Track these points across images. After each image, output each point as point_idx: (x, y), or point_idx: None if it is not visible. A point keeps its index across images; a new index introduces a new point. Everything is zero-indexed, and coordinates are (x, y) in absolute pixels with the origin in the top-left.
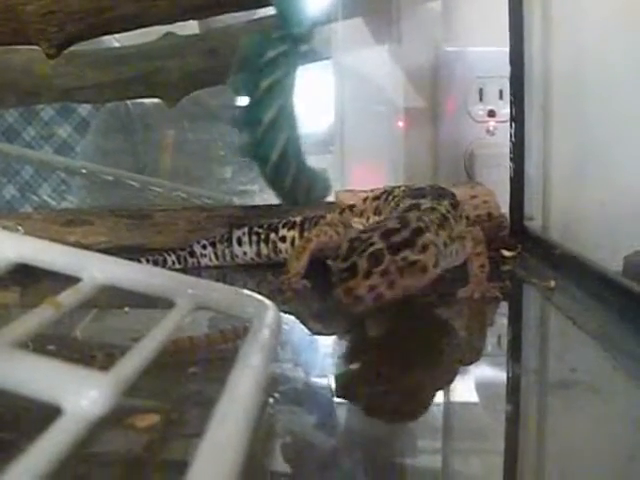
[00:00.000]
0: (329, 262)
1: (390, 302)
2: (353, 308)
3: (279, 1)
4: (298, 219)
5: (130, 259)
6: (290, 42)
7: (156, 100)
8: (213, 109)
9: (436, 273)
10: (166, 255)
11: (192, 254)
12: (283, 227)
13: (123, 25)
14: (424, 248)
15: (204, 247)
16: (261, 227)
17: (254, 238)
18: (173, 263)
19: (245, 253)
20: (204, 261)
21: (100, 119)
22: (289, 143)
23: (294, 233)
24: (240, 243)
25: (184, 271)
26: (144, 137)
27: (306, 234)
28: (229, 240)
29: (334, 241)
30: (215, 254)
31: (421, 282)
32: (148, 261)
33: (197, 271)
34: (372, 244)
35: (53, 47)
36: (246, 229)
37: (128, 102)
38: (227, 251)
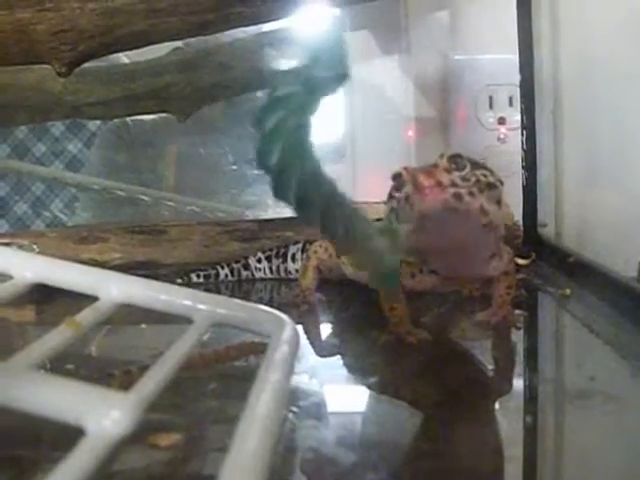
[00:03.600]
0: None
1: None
2: (426, 199)
3: (312, 50)
4: None
5: (180, 275)
6: (318, 88)
7: (155, 116)
8: (216, 123)
9: (502, 232)
10: (219, 268)
11: (246, 267)
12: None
13: (133, 42)
14: (499, 181)
15: (259, 261)
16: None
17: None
18: (226, 276)
19: (297, 270)
20: (258, 274)
21: (102, 135)
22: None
23: None
24: (294, 259)
25: (238, 283)
26: (145, 152)
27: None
28: (284, 256)
29: (332, 260)
30: (270, 268)
31: (494, 219)
32: (199, 276)
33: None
34: (453, 153)
35: (65, 66)
36: (300, 245)
37: (128, 119)
38: (282, 266)
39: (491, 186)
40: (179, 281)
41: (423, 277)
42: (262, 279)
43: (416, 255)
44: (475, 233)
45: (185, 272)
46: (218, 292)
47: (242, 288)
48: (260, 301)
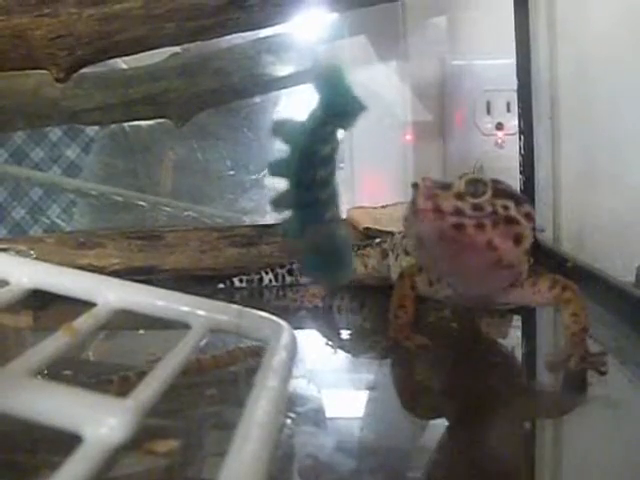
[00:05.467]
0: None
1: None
2: (421, 224)
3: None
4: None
5: (219, 279)
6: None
7: (153, 121)
8: (213, 128)
9: (520, 269)
10: (263, 273)
11: (290, 272)
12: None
13: (131, 48)
14: (527, 216)
15: None
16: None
17: None
18: (270, 281)
19: None
20: (302, 280)
21: (99, 141)
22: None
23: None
24: None
25: (282, 289)
26: (143, 158)
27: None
28: None
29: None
30: None
31: (506, 256)
32: (242, 280)
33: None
34: (476, 176)
35: (62, 71)
36: None
37: (125, 124)
38: None
39: (510, 221)
40: (221, 286)
41: (441, 286)
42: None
43: (428, 266)
44: (481, 267)
45: (227, 276)
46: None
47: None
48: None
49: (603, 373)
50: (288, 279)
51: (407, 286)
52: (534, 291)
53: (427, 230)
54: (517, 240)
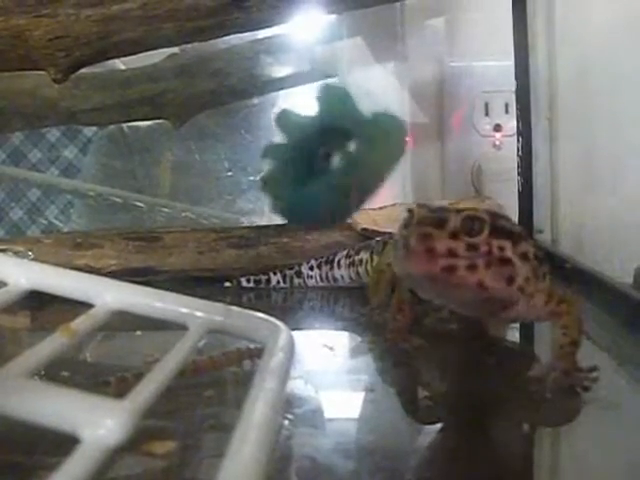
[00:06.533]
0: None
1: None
2: (411, 264)
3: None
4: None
5: (229, 280)
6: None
7: (150, 122)
8: (211, 129)
9: (513, 300)
10: (271, 274)
11: (299, 274)
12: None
13: (130, 49)
14: (523, 256)
15: (311, 268)
16: (353, 250)
17: (347, 261)
18: (278, 282)
19: (342, 277)
20: (310, 282)
21: (97, 142)
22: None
23: (369, 256)
24: (339, 266)
25: (290, 290)
26: (141, 159)
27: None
28: (331, 262)
29: None
30: (320, 276)
31: (498, 294)
32: (249, 280)
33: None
34: (474, 213)
35: (61, 72)
36: (345, 252)
37: (123, 125)
38: (329, 273)
39: (504, 262)
40: (227, 284)
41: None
42: (313, 287)
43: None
44: (472, 303)
45: (235, 276)
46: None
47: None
48: None
49: (586, 389)
50: (296, 281)
51: (405, 290)
52: (529, 307)
53: (418, 271)
54: (510, 280)
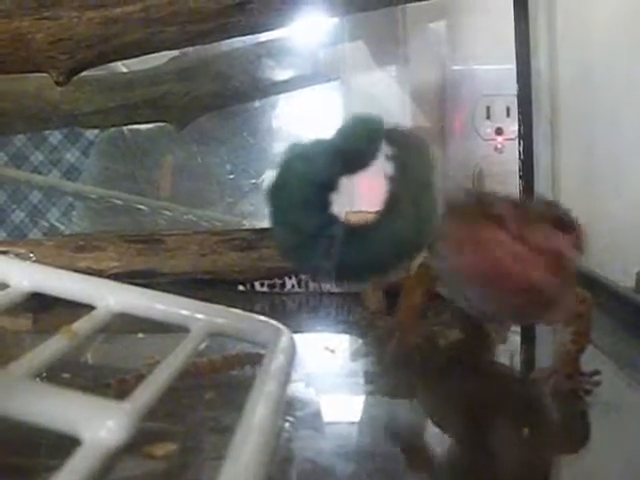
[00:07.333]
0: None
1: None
2: (455, 255)
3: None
4: None
5: (242, 283)
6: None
7: (152, 125)
8: (213, 132)
9: (558, 308)
10: (286, 278)
11: (315, 279)
12: None
13: (132, 51)
14: (576, 244)
15: None
16: None
17: None
18: (292, 287)
19: None
20: (326, 287)
21: (98, 145)
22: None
23: None
24: None
25: (305, 295)
26: (142, 161)
27: None
28: None
29: None
30: None
31: (548, 290)
32: (263, 284)
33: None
34: (525, 201)
35: (62, 74)
36: None
37: (125, 128)
38: None
39: (558, 255)
40: (241, 288)
41: (458, 299)
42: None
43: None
44: (519, 302)
45: (249, 279)
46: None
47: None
48: None
49: (588, 392)
50: (312, 286)
51: (419, 295)
52: (567, 306)
53: (467, 266)
54: (562, 273)
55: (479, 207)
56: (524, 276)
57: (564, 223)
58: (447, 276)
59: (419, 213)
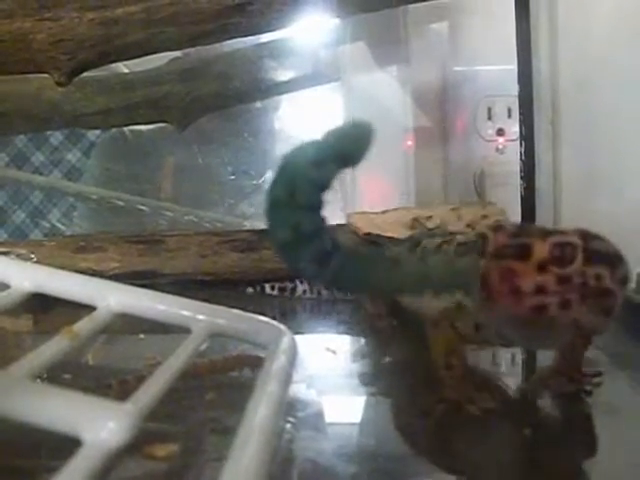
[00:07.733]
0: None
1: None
2: (493, 306)
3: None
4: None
5: (252, 286)
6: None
7: (153, 126)
8: (214, 133)
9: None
10: (297, 282)
11: None
12: None
13: (133, 52)
14: (622, 282)
15: None
16: None
17: None
18: (304, 292)
19: None
20: (339, 295)
21: (99, 145)
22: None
23: None
24: None
25: (317, 301)
26: (143, 162)
27: None
28: None
29: None
30: None
31: (594, 329)
32: (273, 288)
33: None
34: (563, 237)
35: (64, 75)
36: None
37: (126, 128)
38: None
39: (603, 293)
40: (250, 290)
41: (488, 332)
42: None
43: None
44: (563, 341)
45: (259, 282)
46: None
47: None
48: None
49: (588, 393)
50: (324, 292)
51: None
52: None
53: (503, 312)
54: (609, 312)
55: (512, 247)
56: (567, 322)
57: (612, 258)
58: (485, 319)
59: None
